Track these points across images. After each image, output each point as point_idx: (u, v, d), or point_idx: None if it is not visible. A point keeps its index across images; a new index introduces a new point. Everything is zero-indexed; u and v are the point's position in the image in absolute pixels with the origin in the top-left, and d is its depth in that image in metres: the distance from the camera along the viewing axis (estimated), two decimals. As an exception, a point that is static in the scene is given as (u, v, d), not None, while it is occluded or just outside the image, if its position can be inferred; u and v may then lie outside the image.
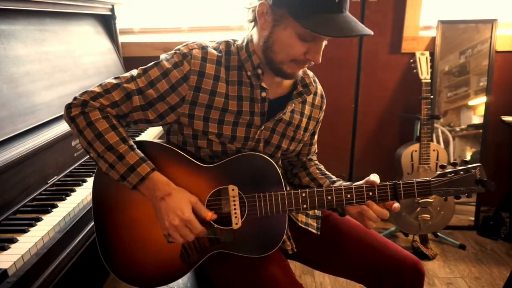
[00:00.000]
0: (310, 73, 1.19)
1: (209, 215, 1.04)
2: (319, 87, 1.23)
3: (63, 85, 1.63)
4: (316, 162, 1.32)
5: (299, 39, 0.97)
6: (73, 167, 1.50)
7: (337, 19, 0.93)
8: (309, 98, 1.18)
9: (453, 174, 1.04)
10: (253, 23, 1.06)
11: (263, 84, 1.07)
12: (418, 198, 2.16)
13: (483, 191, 1.04)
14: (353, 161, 2.50)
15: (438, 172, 1.05)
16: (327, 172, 1.27)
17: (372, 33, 0.95)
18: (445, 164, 1.07)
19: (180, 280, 1.18)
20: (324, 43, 1.00)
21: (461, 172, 1.04)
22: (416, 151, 2.18)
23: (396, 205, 1.04)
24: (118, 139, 1.02)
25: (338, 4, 0.93)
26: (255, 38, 1.05)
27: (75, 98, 1.04)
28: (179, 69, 1.03)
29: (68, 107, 1.04)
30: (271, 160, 1.06)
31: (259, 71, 1.06)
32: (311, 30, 0.91)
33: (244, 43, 1.07)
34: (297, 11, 0.93)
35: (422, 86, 2.14)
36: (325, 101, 1.24)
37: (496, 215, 2.38)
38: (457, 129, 2.41)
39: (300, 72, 1.07)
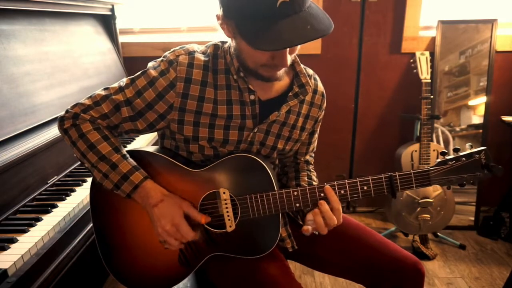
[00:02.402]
0: (310, 71, 1.17)
1: (203, 218, 1.04)
2: (320, 85, 1.19)
3: (63, 85, 1.63)
4: (311, 168, 1.29)
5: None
6: (73, 167, 1.50)
7: (283, 26, 0.86)
8: (308, 97, 1.16)
9: (454, 161, 0.99)
10: None
11: (251, 86, 1.05)
12: (418, 198, 2.16)
13: (490, 176, 0.98)
14: (353, 161, 2.50)
15: (438, 160, 1.00)
16: (314, 183, 1.23)
17: (327, 31, 0.87)
18: (446, 151, 1.01)
19: (180, 280, 1.18)
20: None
21: (464, 159, 0.98)
22: (416, 151, 2.18)
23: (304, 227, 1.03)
24: (111, 149, 1.03)
25: (282, 9, 0.85)
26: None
27: (67, 111, 1.05)
28: (165, 76, 1.03)
29: (61, 119, 1.05)
30: (260, 160, 1.04)
31: (242, 74, 1.04)
32: (252, 47, 0.88)
33: (229, 46, 1.06)
34: (243, 24, 0.90)
35: (422, 86, 2.14)
36: (325, 99, 1.21)
37: (496, 215, 2.38)
38: (457, 129, 2.41)
39: (281, 72, 1.03)
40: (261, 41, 0.87)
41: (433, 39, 2.33)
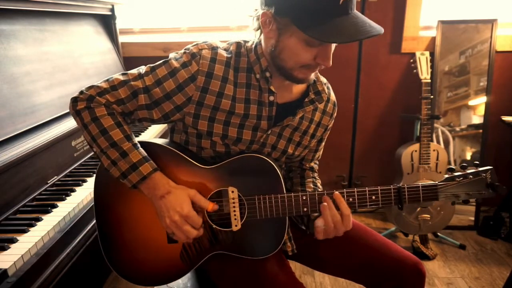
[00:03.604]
0: (324, 80, 1.18)
1: (211, 205, 1.03)
2: (332, 94, 1.20)
3: (63, 85, 1.63)
4: (316, 175, 1.30)
5: (306, 45, 0.94)
6: (73, 167, 1.50)
7: (343, 22, 0.89)
8: (321, 105, 1.16)
9: (461, 178, 1.00)
10: (259, 31, 1.03)
11: (272, 88, 1.06)
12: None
13: (494, 195, 1.00)
14: (353, 161, 2.50)
15: (446, 176, 1.01)
16: (319, 190, 1.22)
17: (381, 31, 0.92)
18: (454, 167, 1.02)
19: (180, 280, 1.18)
20: (334, 45, 0.98)
21: (471, 176, 0.99)
22: (416, 151, 2.18)
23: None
24: (123, 137, 1.01)
25: (343, 6, 0.89)
26: (263, 44, 1.04)
27: (81, 92, 1.03)
28: (187, 69, 1.02)
29: (74, 100, 1.03)
30: (272, 162, 1.05)
31: (268, 74, 1.04)
32: (317, 39, 0.89)
33: (254, 45, 1.06)
34: (301, 19, 0.90)
35: (422, 86, 2.14)
36: (336, 108, 1.22)
37: (496, 215, 2.38)
38: (457, 129, 2.41)
39: (312, 76, 1.05)
40: (328, 35, 0.88)
41: (433, 39, 2.33)
